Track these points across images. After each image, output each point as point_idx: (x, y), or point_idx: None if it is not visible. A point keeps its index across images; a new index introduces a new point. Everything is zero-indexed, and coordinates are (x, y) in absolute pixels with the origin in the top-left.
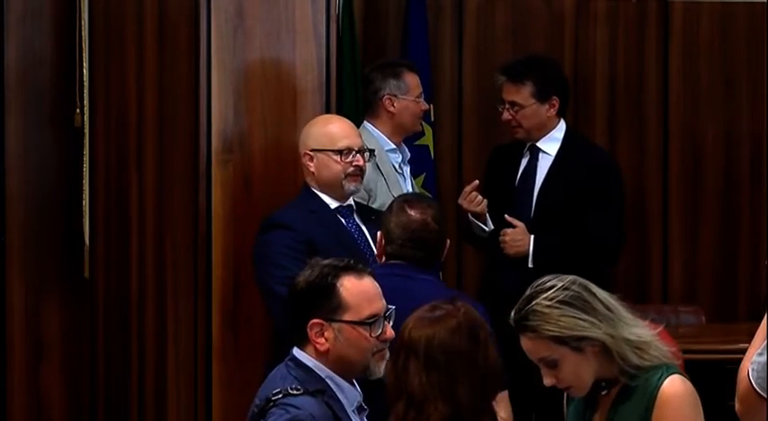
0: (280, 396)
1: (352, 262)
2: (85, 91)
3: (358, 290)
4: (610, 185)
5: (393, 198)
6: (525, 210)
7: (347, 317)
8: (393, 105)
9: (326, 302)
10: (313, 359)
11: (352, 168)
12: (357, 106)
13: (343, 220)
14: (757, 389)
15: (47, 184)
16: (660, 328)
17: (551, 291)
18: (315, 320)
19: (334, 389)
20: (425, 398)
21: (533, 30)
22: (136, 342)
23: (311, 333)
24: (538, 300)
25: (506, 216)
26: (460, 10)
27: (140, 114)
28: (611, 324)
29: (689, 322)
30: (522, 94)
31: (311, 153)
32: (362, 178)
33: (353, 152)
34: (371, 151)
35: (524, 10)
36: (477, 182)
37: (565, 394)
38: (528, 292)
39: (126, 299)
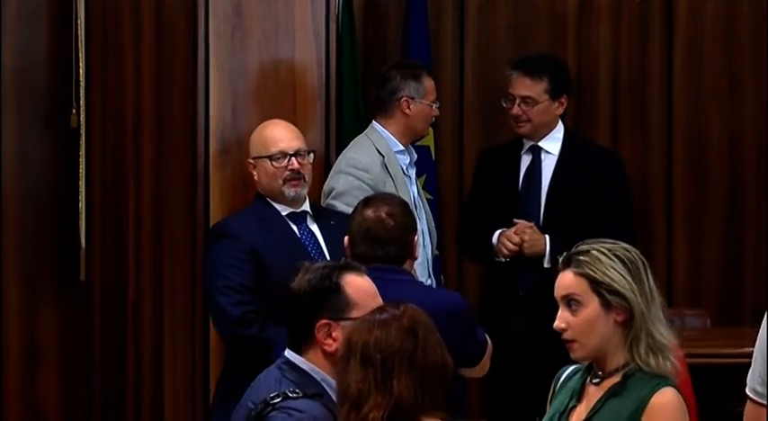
0: (279, 399)
1: (348, 261)
2: (82, 91)
3: (361, 287)
4: (620, 183)
5: None
6: (534, 211)
7: (354, 314)
8: (409, 108)
9: (333, 302)
10: (308, 362)
11: (287, 172)
12: (357, 106)
13: (294, 227)
14: None
15: (43, 185)
16: (681, 352)
17: (614, 245)
18: (323, 321)
19: (330, 393)
20: (363, 395)
21: (535, 28)
22: (132, 344)
23: (319, 334)
24: (597, 247)
25: (516, 220)
26: (462, 9)
27: (137, 115)
28: (648, 306)
29: (694, 326)
30: (537, 90)
31: (253, 161)
32: (304, 182)
33: (288, 156)
34: (312, 152)
35: (526, 9)
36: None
37: (550, 392)
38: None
39: (122, 301)
